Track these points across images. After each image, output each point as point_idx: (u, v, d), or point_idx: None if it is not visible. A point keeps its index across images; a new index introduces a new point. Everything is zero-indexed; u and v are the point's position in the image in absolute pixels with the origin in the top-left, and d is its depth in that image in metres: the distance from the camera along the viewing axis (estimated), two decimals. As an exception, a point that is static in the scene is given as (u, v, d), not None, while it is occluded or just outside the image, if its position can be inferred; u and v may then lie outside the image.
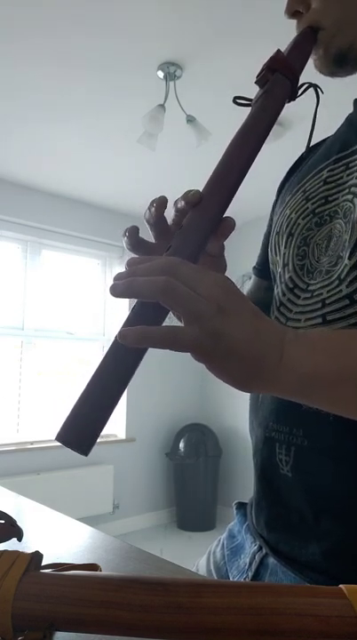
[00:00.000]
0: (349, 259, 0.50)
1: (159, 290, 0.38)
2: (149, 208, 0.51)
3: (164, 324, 0.41)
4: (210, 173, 0.50)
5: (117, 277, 0.40)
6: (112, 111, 2.32)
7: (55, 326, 3.41)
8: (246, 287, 0.79)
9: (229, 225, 0.50)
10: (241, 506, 0.70)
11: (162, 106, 2.11)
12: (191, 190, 0.48)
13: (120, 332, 0.38)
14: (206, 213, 0.47)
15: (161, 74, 2.02)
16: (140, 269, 0.40)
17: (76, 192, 3.33)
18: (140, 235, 0.53)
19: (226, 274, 0.51)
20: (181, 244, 0.45)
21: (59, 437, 0.38)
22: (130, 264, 0.42)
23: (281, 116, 0.53)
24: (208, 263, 0.52)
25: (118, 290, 0.39)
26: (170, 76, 2.02)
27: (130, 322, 0.42)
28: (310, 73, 0.62)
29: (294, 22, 0.61)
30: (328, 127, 0.70)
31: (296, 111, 2.16)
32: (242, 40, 1.82)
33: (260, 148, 0.52)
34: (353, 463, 0.49)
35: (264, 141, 0.52)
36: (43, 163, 2.88)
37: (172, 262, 0.39)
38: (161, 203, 0.50)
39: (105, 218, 3.60)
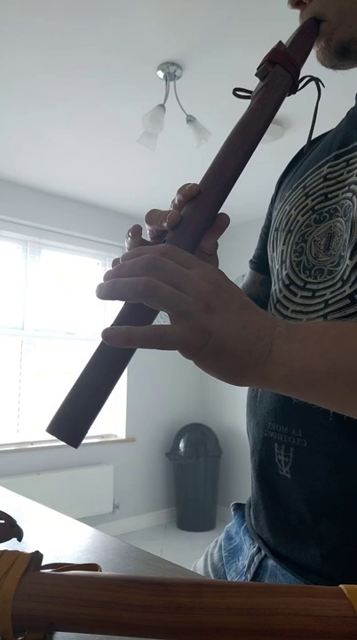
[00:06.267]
0: (350, 259, 0.50)
1: (140, 292, 0.36)
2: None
3: (156, 321, 0.41)
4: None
5: (105, 276, 0.39)
6: (112, 111, 2.32)
7: (55, 326, 3.41)
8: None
9: (224, 220, 0.49)
10: (239, 507, 0.70)
11: (162, 106, 2.10)
12: (188, 184, 0.47)
13: (104, 333, 0.37)
14: (203, 206, 0.46)
15: (161, 74, 2.02)
16: (124, 267, 0.38)
17: (76, 192, 3.33)
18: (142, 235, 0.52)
19: (227, 273, 0.50)
20: (177, 235, 0.44)
21: (50, 429, 0.38)
22: (121, 259, 0.41)
23: (279, 115, 0.53)
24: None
25: (102, 292, 0.38)
26: (170, 76, 2.02)
27: (118, 321, 0.41)
28: (314, 66, 0.61)
29: (295, 19, 0.61)
30: (329, 121, 0.69)
31: (294, 111, 2.16)
32: (242, 40, 1.82)
33: (259, 141, 0.51)
34: (353, 464, 0.48)
35: (262, 135, 0.51)
36: (44, 163, 2.88)
37: (156, 258, 0.38)
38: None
39: (104, 218, 3.60)
